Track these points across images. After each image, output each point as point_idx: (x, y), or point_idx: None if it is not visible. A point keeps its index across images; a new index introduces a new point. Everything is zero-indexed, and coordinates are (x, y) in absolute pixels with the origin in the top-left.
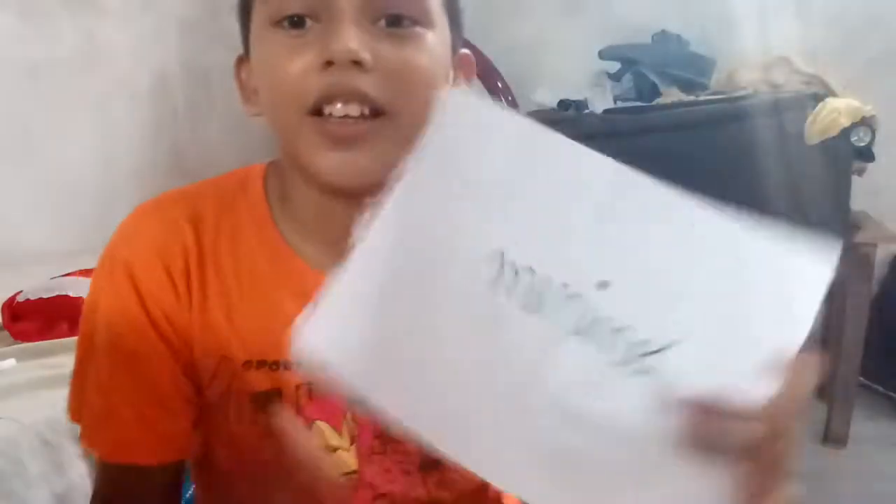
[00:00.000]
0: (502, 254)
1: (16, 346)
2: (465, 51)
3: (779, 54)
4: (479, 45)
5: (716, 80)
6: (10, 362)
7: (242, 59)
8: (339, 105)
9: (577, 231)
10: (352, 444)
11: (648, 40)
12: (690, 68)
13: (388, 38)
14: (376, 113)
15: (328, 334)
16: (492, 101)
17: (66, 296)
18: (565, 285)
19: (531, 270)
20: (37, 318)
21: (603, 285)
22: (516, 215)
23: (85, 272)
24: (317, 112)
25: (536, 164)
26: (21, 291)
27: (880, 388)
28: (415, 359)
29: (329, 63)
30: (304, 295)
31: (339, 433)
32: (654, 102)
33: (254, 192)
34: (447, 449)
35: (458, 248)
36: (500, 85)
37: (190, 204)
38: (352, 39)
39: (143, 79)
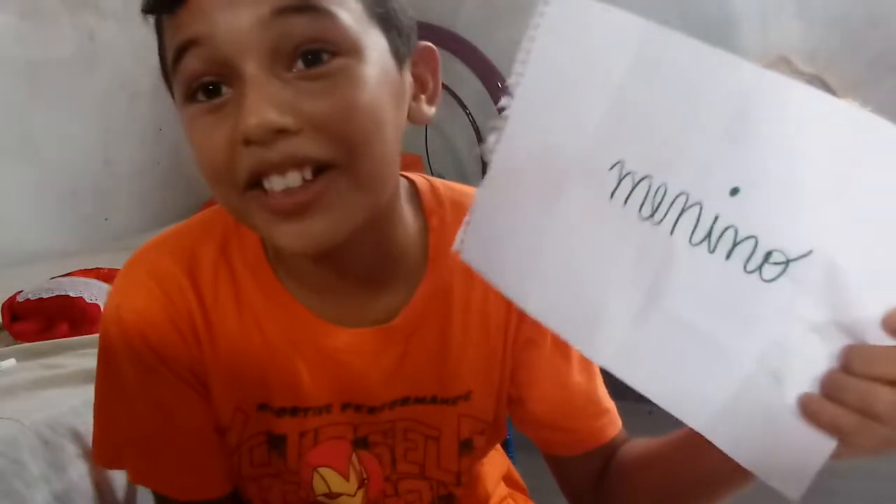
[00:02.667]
0: (622, 164)
1: (16, 346)
2: (423, 44)
3: (779, 54)
4: (479, 45)
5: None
6: (10, 362)
7: None
8: (275, 177)
9: (705, 136)
10: (360, 487)
11: None
12: None
13: (309, 84)
14: (322, 169)
15: (480, 247)
16: (600, 3)
17: (66, 296)
18: (685, 194)
19: (649, 179)
20: (37, 318)
21: (734, 192)
22: (637, 123)
23: (85, 272)
24: (256, 185)
25: (657, 67)
26: (21, 291)
27: None
28: (547, 266)
29: (247, 141)
30: (308, 342)
31: (346, 478)
32: None
33: (249, 235)
34: (573, 342)
35: (580, 160)
36: (500, 85)
37: (185, 253)
38: (264, 108)
39: (143, 79)
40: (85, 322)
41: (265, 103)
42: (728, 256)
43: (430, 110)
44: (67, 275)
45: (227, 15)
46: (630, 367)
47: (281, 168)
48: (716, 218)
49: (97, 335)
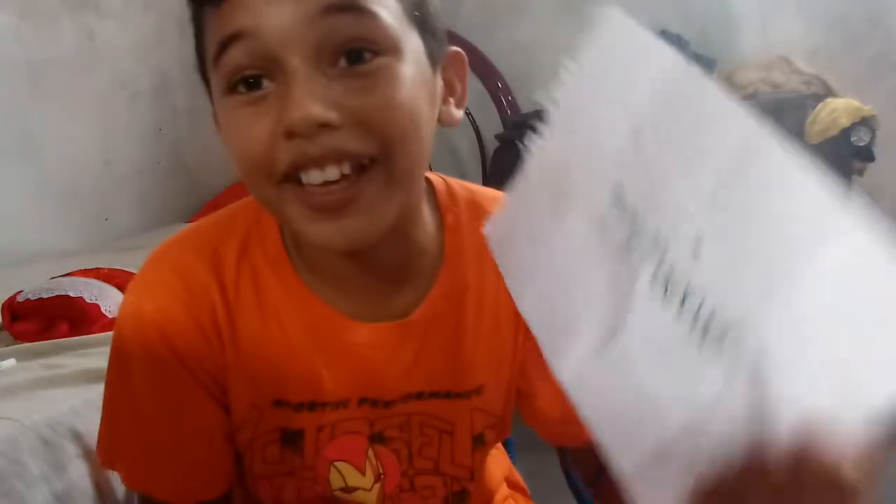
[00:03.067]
0: (620, 188)
1: (16, 346)
2: (452, 49)
3: (779, 54)
4: (479, 45)
5: (716, 80)
6: (10, 362)
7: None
8: (314, 171)
9: (692, 182)
10: (376, 481)
11: None
12: None
13: (352, 81)
14: (361, 168)
15: (501, 236)
16: (644, 28)
17: (66, 296)
18: (657, 234)
19: (634, 210)
20: (37, 318)
21: (698, 243)
22: (642, 150)
23: (85, 272)
24: (292, 178)
25: (674, 103)
26: (21, 291)
27: None
28: (544, 272)
29: (291, 133)
30: (328, 336)
31: (363, 472)
32: None
33: (268, 230)
34: (544, 349)
35: (591, 175)
36: (500, 85)
37: (209, 250)
38: (309, 103)
39: (143, 79)
40: (85, 322)
41: (310, 98)
42: (678, 309)
43: (458, 113)
44: (67, 275)
45: (273, 10)
46: (581, 393)
47: (321, 162)
48: (673, 266)
49: (97, 335)
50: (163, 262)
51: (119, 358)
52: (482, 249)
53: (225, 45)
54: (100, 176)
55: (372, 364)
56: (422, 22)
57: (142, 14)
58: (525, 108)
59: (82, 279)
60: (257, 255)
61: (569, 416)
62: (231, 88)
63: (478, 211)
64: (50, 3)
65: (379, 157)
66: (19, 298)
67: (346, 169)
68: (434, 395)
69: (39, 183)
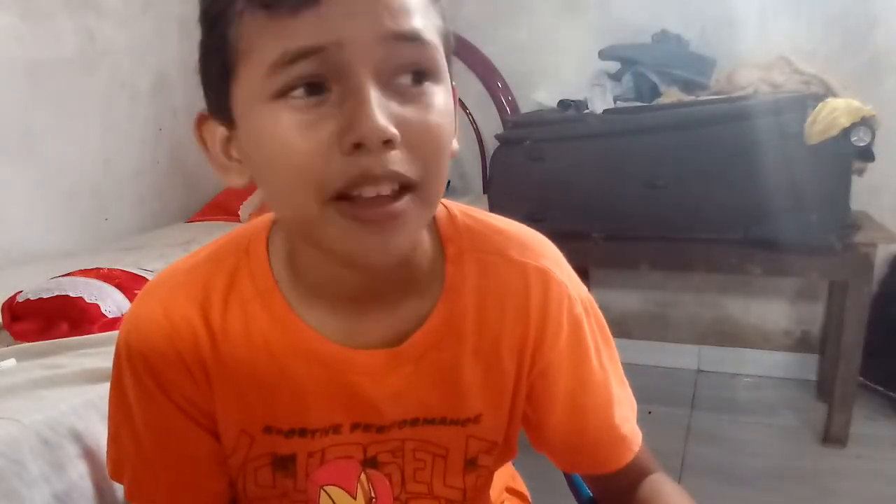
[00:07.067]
0: None
1: (16, 346)
2: None
3: (779, 54)
4: (479, 45)
5: (716, 80)
6: (10, 362)
7: (205, 118)
8: (369, 187)
9: None
10: None
11: (648, 40)
12: (690, 68)
13: (409, 101)
14: (405, 187)
15: None
16: None
17: (66, 296)
18: None
19: None
20: (37, 318)
21: None
22: None
23: (85, 272)
24: (344, 196)
25: None
26: (21, 291)
27: (880, 388)
28: None
29: (357, 145)
30: (317, 363)
31: (354, 496)
32: (654, 102)
33: (257, 261)
34: None
35: None
36: (500, 85)
37: (195, 285)
38: (379, 116)
39: (143, 79)
40: (85, 322)
41: (380, 111)
42: None
43: (455, 144)
44: (67, 275)
45: (353, 24)
46: None
47: (379, 180)
48: None
49: (97, 335)
50: (154, 296)
51: (116, 379)
52: (484, 281)
53: (297, 56)
54: (100, 176)
55: (363, 390)
56: (449, 56)
57: (141, 14)
58: (525, 108)
59: (82, 279)
60: (246, 287)
61: (577, 446)
62: (284, 93)
63: (480, 243)
64: (50, 3)
65: (419, 180)
66: (19, 298)
67: (396, 187)
68: (429, 421)
69: (39, 183)
